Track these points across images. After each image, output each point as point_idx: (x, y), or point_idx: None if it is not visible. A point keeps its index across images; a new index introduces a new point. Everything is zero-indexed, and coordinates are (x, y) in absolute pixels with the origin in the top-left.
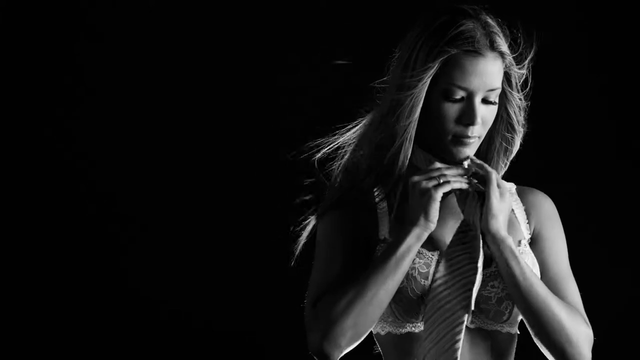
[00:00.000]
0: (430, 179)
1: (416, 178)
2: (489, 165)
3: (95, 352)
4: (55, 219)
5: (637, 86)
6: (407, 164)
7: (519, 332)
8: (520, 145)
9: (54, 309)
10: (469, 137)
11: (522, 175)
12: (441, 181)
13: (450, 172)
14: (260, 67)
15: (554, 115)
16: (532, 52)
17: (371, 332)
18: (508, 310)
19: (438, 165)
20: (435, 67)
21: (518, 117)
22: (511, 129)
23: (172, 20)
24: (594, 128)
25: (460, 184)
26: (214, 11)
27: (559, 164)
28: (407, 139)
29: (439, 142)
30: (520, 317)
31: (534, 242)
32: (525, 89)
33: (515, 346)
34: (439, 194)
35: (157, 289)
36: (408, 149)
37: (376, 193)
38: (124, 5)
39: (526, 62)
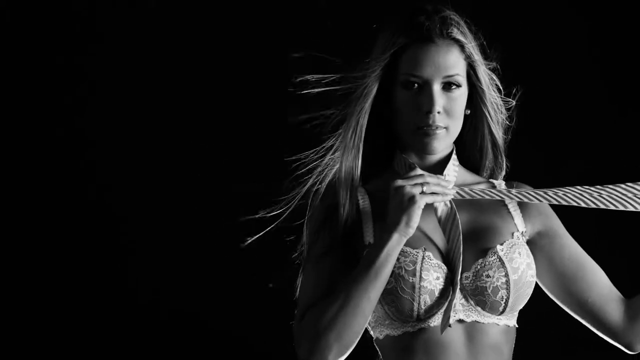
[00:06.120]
0: (415, 185)
1: (399, 182)
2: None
3: (96, 352)
4: (55, 219)
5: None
6: (359, 149)
7: (517, 326)
8: (507, 141)
9: (55, 307)
10: (430, 126)
11: (520, 170)
12: (424, 189)
13: (432, 180)
14: (260, 67)
15: (550, 111)
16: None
17: (370, 338)
18: (504, 300)
19: (420, 171)
20: (385, 59)
21: (497, 114)
22: (493, 127)
23: (170, 22)
24: (592, 120)
25: (443, 196)
26: (214, 12)
27: (558, 160)
28: (357, 129)
29: (407, 136)
30: (518, 309)
31: (547, 238)
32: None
33: (513, 340)
34: (423, 202)
35: (158, 289)
36: (358, 140)
37: (360, 197)
38: (125, 5)
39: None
